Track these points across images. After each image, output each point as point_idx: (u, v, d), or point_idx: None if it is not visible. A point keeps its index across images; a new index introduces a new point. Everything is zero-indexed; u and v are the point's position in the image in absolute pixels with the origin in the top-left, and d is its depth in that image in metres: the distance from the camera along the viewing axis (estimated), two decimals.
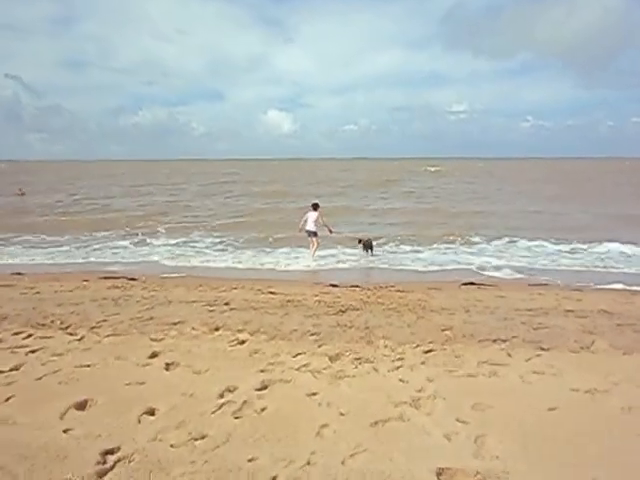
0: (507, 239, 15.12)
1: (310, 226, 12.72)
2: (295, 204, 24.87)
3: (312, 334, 5.32)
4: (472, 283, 9.44)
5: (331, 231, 12.78)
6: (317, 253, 12.80)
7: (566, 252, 13.37)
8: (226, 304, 6.92)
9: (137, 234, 17.03)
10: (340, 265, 12.08)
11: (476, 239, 15.21)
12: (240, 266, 12.21)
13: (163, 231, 17.84)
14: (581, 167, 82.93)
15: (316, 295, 7.75)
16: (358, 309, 6.59)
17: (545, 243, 14.56)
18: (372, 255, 12.90)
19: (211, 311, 6.48)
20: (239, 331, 5.41)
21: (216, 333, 5.36)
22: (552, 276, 10.55)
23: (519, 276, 10.83)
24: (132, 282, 9.73)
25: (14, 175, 65.60)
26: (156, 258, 13.20)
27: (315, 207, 12.91)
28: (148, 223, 19.65)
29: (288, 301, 7.11)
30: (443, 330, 5.41)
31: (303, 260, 12.66)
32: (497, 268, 11.43)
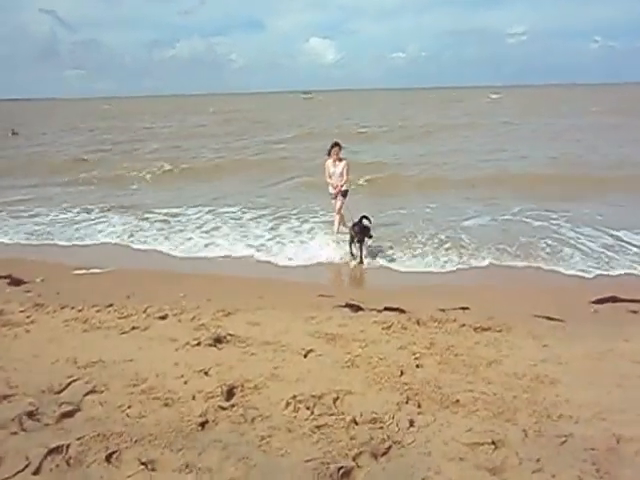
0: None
1: (336, 179, 7.81)
2: None
3: None
4: (613, 299, 4.98)
5: (345, 193, 7.86)
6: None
7: None
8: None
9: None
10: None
11: None
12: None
13: None
14: None
15: (305, 353, 3.62)
16: (401, 455, 2.32)
17: None
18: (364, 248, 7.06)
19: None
20: None
21: None
22: None
23: None
24: (9, 290, 5.82)
25: (29, 114, 61.51)
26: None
27: (334, 148, 7.73)
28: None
29: (231, 397, 2.94)
30: None
31: (317, 242, 7.89)
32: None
